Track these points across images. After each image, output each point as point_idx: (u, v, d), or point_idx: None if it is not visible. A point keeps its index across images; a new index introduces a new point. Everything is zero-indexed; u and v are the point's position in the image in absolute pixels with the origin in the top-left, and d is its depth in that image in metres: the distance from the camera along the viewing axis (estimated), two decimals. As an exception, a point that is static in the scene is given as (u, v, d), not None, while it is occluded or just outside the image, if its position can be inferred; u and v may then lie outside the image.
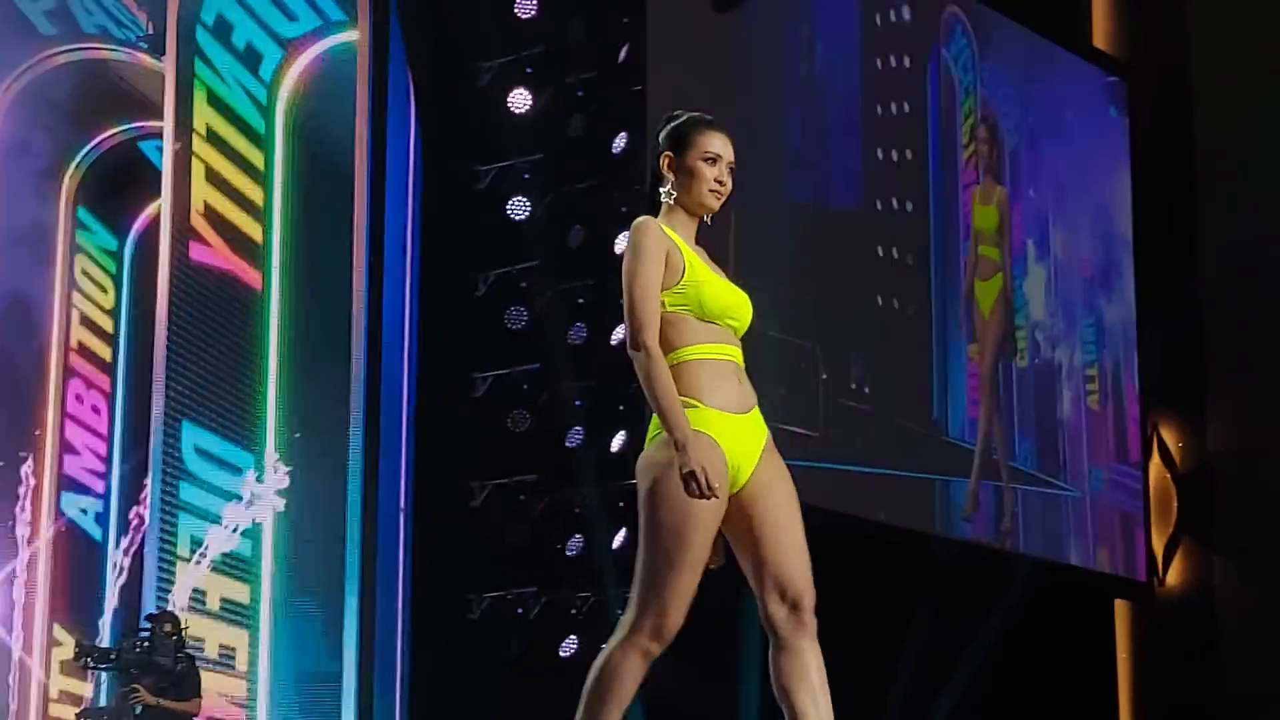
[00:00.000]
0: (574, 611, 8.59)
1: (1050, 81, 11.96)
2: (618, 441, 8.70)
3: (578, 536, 8.63)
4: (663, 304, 4.45)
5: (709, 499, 4.27)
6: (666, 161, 4.55)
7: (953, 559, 10.46)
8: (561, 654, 8.53)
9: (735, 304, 4.50)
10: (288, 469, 9.17)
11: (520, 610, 8.56)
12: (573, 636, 8.56)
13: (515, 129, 8.78)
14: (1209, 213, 12.30)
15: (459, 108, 8.85)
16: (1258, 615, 11.73)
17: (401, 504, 8.65)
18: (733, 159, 4.57)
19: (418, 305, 8.65)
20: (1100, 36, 12.62)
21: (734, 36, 9.64)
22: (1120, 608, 12.19)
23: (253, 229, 9.61)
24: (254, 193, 9.64)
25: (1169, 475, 12.29)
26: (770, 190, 9.78)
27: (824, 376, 9.90)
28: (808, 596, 4.45)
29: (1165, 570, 12.21)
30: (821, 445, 9.81)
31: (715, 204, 4.57)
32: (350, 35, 9.29)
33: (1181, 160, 12.36)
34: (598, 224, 8.80)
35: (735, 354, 4.47)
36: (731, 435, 4.43)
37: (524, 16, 8.79)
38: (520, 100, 8.75)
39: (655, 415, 4.36)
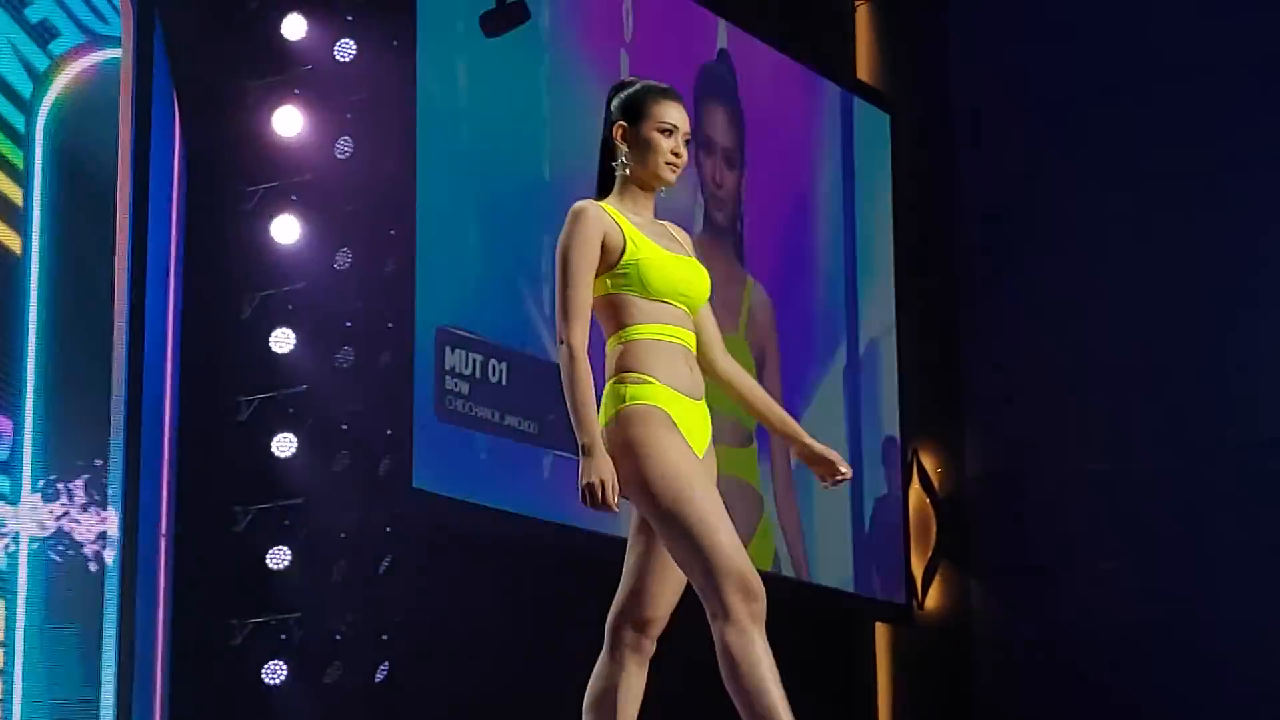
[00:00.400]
0: (338, 637, 8.52)
1: (824, 125, 12.15)
2: (384, 466, 8.67)
3: (343, 562, 8.55)
4: (606, 286, 4.31)
5: (603, 510, 4.15)
6: (620, 132, 4.42)
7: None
8: (325, 680, 8.45)
9: (685, 279, 4.35)
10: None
11: (284, 636, 8.46)
12: (337, 662, 8.47)
13: (283, 150, 8.69)
14: (967, 250, 12.57)
15: (226, 127, 8.74)
16: (1012, 636, 11.99)
17: (163, 528, 8.50)
18: (689, 131, 4.46)
19: (181, 326, 8.52)
20: (864, 71, 12.85)
21: (514, 68, 9.67)
22: (881, 630, 12.37)
23: (14, 193, 9.31)
24: (15, 157, 9.33)
25: (928, 500, 12.51)
26: (546, 226, 9.83)
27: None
28: (658, 625, 4.44)
29: (924, 593, 12.41)
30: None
31: (672, 177, 4.44)
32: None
33: (942, 198, 12.63)
34: (366, 246, 8.76)
35: (686, 337, 4.34)
36: (684, 416, 4.25)
37: (292, 38, 8.72)
38: (288, 121, 8.66)
39: (604, 400, 4.23)
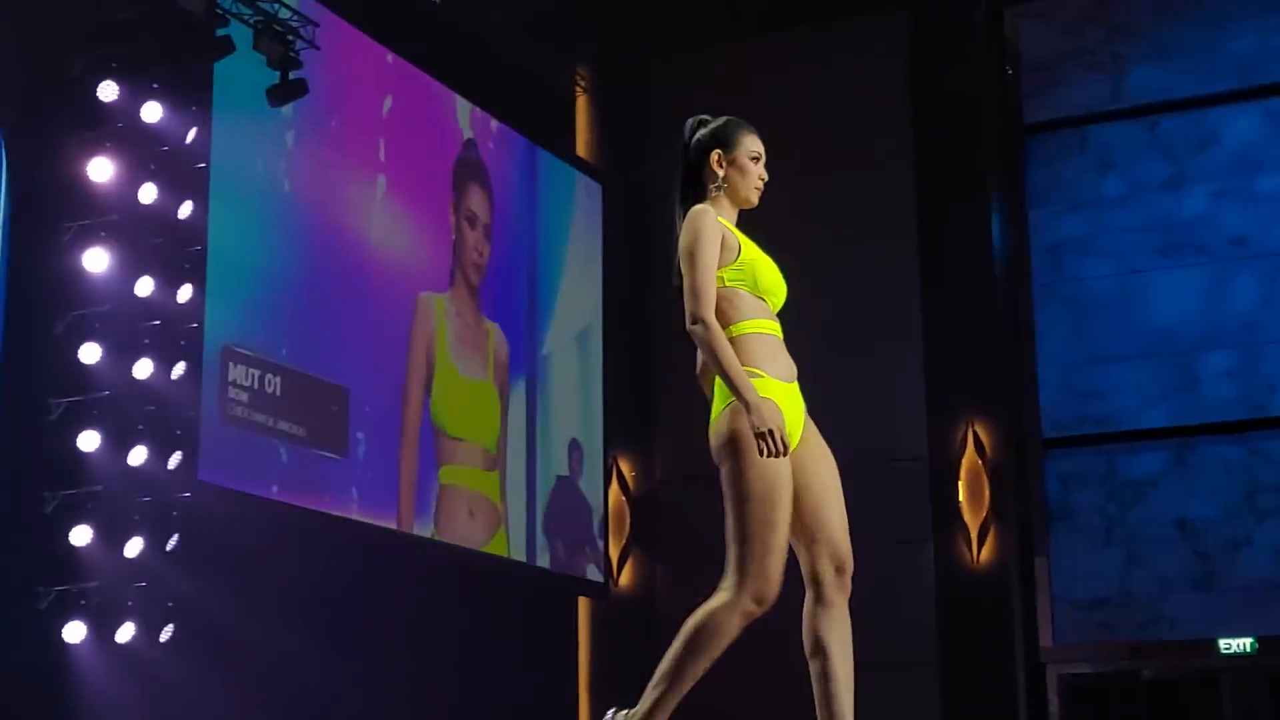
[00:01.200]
0: (130, 603, 8.46)
1: (549, 192, 12.35)
2: (174, 460, 8.63)
3: (136, 540, 8.50)
4: (723, 280, 4.11)
5: (782, 455, 3.91)
6: (716, 157, 4.24)
7: (462, 563, 10.67)
8: (118, 639, 8.39)
9: (779, 282, 4.23)
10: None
11: (83, 601, 8.38)
12: (129, 623, 8.43)
13: (96, 193, 8.62)
14: (659, 296, 12.81)
15: (49, 173, 8.63)
16: (688, 610, 12.23)
17: (-18, 509, 8.35)
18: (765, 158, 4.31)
19: (4, 339, 8.38)
20: (583, 149, 13.08)
21: (301, 132, 9.71)
22: (583, 604, 12.55)
23: None
24: None
25: (624, 497, 12.73)
26: (326, 267, 9.87)
27: (367, 409, 10.06)
28: (850, 562, 4.12)
29: (619, 574, 12.62)
30: (349, 466, 9.93)
31: (756, 199, 4.29)
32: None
33: (640, 251, 12.85)
34: (164, 275, 8.73)
35: (778, 329, 4.19)
36: (786, 401, 4.08)
37: (107, 100, 8.66)
38: (101, 169, 8.60)
39: (720, 387, 4.01)
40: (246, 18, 9.11)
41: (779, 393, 4.09)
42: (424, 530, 10.44)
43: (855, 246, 12.14)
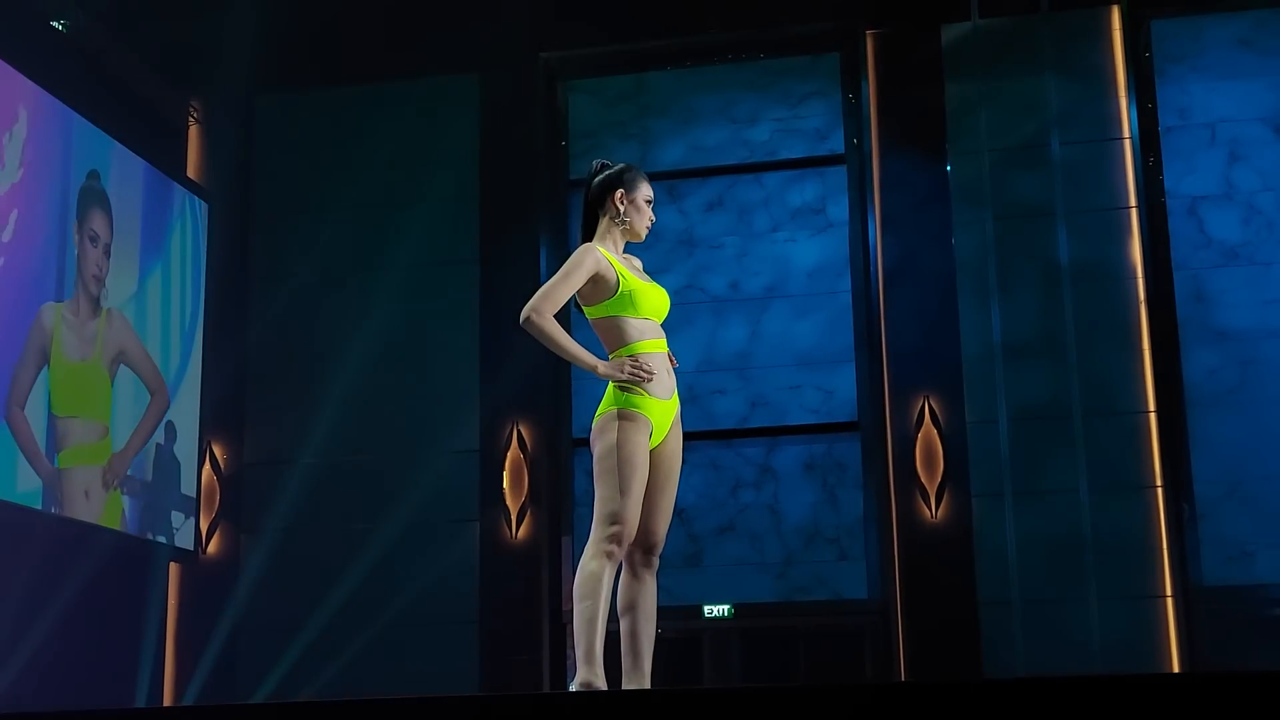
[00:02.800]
0: None
1: (165, 208, 12.02)
2: None
3: None
4: (607, 309, 4.26)
5: (649, 376, 4.11)
6: (619, 195, 4.39)
7: (67, 531, 10.28)
8: None
9: (659, 301, 4.39)
10: None
11: None
12: None
13: None
14: (257, 298, 12.68)
15: None
16: (269, 576, 12.12)
17: None
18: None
19: None
20: (193, 170, 12.81)
21: None
22: (174, 569, 12.27)
23: None
24: None
25: (215, 476, 12.49)
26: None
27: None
28: (659, 546, 4.32)
29: (208, 543, 12.38)
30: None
31: (645, 235, 4.46)
32: None
33: (238, 261, 12.70)
34: None
35: (663, 344, 4.37)
36: (658, 413, 4.28)
37: None
38: None
39: (611, 390, 4.18)
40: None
41: (651, 406, 4.30)
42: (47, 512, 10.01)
43: (430, 270, 12.28)
